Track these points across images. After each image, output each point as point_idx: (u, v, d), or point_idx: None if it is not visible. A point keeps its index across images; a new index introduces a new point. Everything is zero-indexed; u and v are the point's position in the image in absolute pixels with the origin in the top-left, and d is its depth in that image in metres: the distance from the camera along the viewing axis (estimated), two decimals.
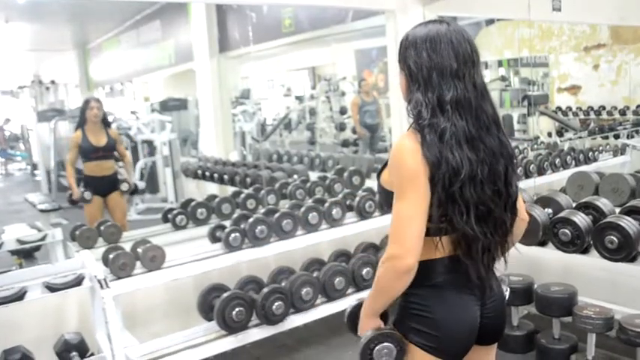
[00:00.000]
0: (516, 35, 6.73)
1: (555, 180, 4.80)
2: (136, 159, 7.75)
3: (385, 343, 1.57)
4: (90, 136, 4.84)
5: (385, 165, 1.60)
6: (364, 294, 3.64)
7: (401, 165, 1.47)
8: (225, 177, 5.65)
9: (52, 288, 2.81)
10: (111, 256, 3.10)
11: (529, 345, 3.41)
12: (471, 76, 1.50)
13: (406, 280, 1.48)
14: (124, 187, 5.10)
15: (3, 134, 15.88)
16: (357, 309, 1.73)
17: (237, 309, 3.09)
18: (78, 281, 2.88)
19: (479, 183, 1.47)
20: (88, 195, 4.87)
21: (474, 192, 1.46)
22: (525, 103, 7.12)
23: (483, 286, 1.56)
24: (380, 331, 1.59)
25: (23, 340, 2.89)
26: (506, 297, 1.73)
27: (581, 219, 2.99)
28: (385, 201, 1.62)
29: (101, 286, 2.81)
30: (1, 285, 2.75)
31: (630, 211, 2.99)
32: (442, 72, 1.48)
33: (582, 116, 7.36)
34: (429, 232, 1.51)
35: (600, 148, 5.73)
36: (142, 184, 7.46)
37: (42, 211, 5.78)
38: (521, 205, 1.67)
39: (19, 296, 2.72)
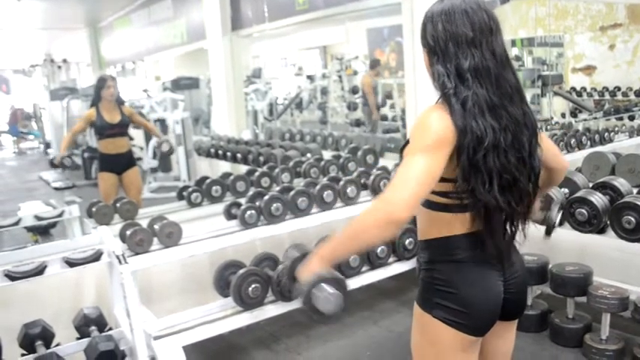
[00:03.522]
0: (531, 14, 6.66)
1: (570, 160, 4.73)
2: (148, 138, 7.78)
3: (331, 289, 1.45)
4: (104, 113, 4.86)
5: (407, 143, 1.59)
6: (379, 272, 3.68)
7: (426, 129, 1.44)
8: (239, 155, 5.66)
9: (71, 263, 2.83)
10: (128, 232, 3.12)
11: (542, 324, 3.44)
12: (489, 43, 1.48)
13: (389, 232, 1.41)
14: (165, 147, 5.22)
15: (20, 113, 16.01)
16: (299, 261, 1.60)
17: (253, 285, 3.12)
18: (96, 257, 2.90)
19: (502, 151, 1.45)
20: (67, 161, 4.94)
21: (497, 160, 1.45)
22: (539, 83, 7.06)
23: (501, 259, 1.55)
24: (325, 273, 1.47)
25: (43, 314, 2.94)
26: (557, 222, 1.74)
27: (599, 199, 2.98)
28: None
29: (119, 262, 2.84)
30: (21, 259, 2.79)
31: None
32: (457, 41, 1.47)
33: (597, 97, 7.29)
34: (451, 209, 1.51)
35: (616, 128, 5.68)
36: (154, 163, 7.51)
37: (56, 189, 5.84)
38: (558, 154, 1.77)
39: (39, 271, 2.74)
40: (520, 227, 1.59)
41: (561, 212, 1.81)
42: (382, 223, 1.39)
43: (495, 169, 1.45)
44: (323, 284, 1.45)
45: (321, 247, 1.53)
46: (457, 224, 1.53)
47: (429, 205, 1.56)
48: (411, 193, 1.38)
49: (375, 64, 9.51)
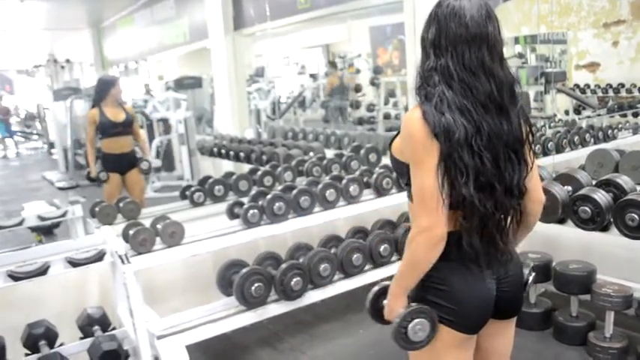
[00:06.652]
0: (534, 11, 6.62)
1: (573, 158, 4.76)
2: (151, 137, 7.79)
3: (419, 319, 1.56)
4: (107, 112, 4.86)
5: (397, 135, 1.62)
6: (382, 270, 3.67)
7: (412, 134, 1.48)
8: (241, 154, 5.66)
9: (74, 263, 2.83)
10: (131, 232, 3.12)
11: (546, 322, 3.43)
12: (459, 52, 1.48)
13: (439, 249, 1.50)
14: (144, 165, 5.15)
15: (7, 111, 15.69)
16: (379, 294, 1.72)
17: (256, 284, 3.12)
18: (99, 256, 2.91)
19: (477, 153, 1.46)
20: (103, 175, 4.93)
21: (472, 159, 1.46)
22: (542, 80, 7.03)
23: (477, 260, 1.54)
24: (411, 307, 1.58)
25: (46, 314, 2.94)
26: (530, 281, 1.73)
27: (602, 196, 2.97)
28: (395, 169, 1.68)
29: (122, 262, 2.84)
30: (24, 260, 2.79)
31: None
32: (425, 44, 1.55)
33: (600, 94, 7.25)
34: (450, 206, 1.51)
35: (620, 125, 5.65)
36: (158, 162, 7.51)
37: (60, 188, 5.85)
38: (537, 185, 1.68)
39: (43, 271, 2.75)
40: (501, 233, 1.57)
41: (533, 275, 1.78)
42: (432, 247, 1.49)
43: (471, 165, 1.46)
44: (411, 318, 1.56)
45: (392, 287, 1.62)
46: (448, 221, 1.52)
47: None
48: (438, 207, 1.45)
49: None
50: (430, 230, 1.46)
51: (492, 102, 1.49)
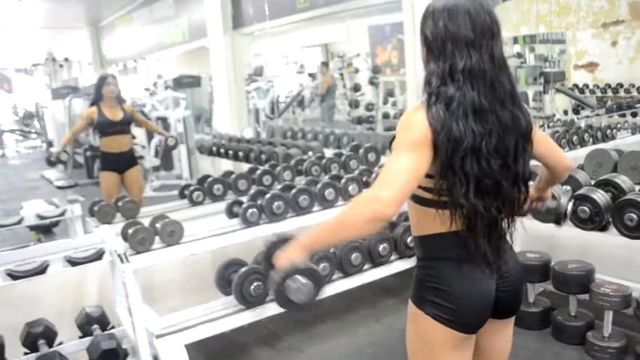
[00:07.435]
0: (533, 11, 6.63)
1: (572, 157, 4.74)
2: (150, 136, 7.77)
3: (302, 279, 1.45)
4: (106, 111, 4.85)
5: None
6: (381, 269, 3.67)
7: (410, 127, 1.45)
8: (240, 154, 5.66)
9: (73, 262, 2.83)
10: (130, 231, 3.12)
11: (545, 322, 3.43)
12: (489, 47, 1.47)
13: (374, 227, 1.42)
14: (171, 141, 5.33)
15: None
16: (278, 245, 1.59)
17: (255, 283, 3.12)
18: (98, 255, 2.91)
19: (483, 157, 1.45)
20: (64, 155, 5.04)
21: (476, 165, 1.44)
22: (541, 80, 7.03)
23: (486, 259, 1.54)
24: (300, 264, 1.46)
25: (45, 312, 2.94)
26: (567, 211, 1.73)
27: (601, 196, 2.97)
28: None
29: (121, 261, 2.84)
30: (23, 259, 2.79)
31: None
32: (457, 41, 1.46)
33: (599, 94, 7.26)
34: (436, 205, 1.51)
35: (618, 125, 5.66)
36: (156, 161, 7.52)
37: (59, 187, 5.83)
38: (560, 157, 1.80)
39: (42, 270, 2.74)
40: (508, 229, 1.58)
41: (571, 202, 1.81)
42: (369, 219, 1.40)
43: (473, 173, 1.44)
44: (297, 275, 1.45)
45: (303, 236, 1.52)
46: (445, 222, 1.52)
47: (417, 199, 1.57)
48: (398, 190, 1.39)
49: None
50: (382, 204, 1.38)
51: (510, 95, 1.49)
